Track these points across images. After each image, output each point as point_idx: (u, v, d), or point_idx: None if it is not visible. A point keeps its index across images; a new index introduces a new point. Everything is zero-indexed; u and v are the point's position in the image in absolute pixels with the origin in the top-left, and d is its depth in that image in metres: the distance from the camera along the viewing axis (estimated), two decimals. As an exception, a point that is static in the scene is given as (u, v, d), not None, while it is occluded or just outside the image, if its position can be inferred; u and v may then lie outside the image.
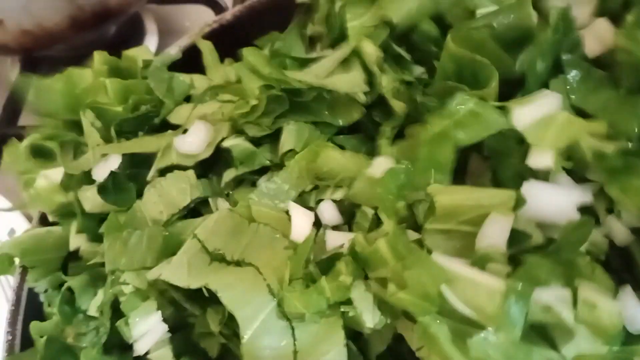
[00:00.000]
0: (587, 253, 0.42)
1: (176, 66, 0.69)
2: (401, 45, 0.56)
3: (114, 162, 0.59)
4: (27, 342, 0.59)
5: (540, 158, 0.42)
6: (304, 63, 0.59)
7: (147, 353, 0.51)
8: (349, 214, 0.51)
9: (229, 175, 0.56)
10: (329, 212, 0.50)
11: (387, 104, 0.53)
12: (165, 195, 0.56)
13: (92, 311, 0.56)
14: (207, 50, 0.62)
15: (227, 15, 0.73)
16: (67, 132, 0.65)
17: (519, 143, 0.44)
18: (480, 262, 0.40)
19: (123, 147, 0.60)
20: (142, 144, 0.59)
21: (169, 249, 0.51)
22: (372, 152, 0.53)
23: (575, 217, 0.41)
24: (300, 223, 0.49)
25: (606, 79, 0.47)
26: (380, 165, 0.48)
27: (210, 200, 0.56)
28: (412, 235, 0.45)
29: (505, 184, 0.46)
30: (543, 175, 0.44)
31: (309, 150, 0.53)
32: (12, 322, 0.61)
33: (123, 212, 0.57)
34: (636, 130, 0.43)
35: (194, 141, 0.57)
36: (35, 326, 0.58)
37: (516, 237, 0.40)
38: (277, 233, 0.49)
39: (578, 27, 0.48)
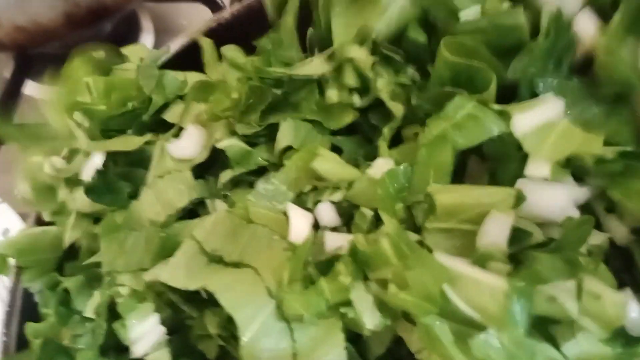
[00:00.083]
0: (588, 253, 0.42)
1: (173, 65, 0.68)
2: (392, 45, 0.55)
3: (98, 161, 0.59)
4: (22, 343, 0.59)
5: (538, 168, 0.42)
6: (288, 62, 0.59)
7: (144, 355, 0.51)
8: (347, 215, 0.50)
9: (225, 176, 0.56)
10: (327, 213, 0.50)
11: (383, 107, 0.53)
12: (162, 197, 0.55)
13: (89, 313, 0.55)
14: (208, 48, 0.62)
15: (226, 14, 0.73)
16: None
17: (518, 149, 0.43)
18: (481, 260, 0.39)
19: (105, 145, 0.59)
20: (126, 142, 0.59)
21: (167, 251, 0.50)
22: (369, 154, 0.53)
23: (572, 214, 0.42)
24: (299, 224, 0.49)
25: (588, 90, 0.46)
26: (381, 166, 0.47)
27: (207, 201, 0.56)
28: (412, 236, 0.44)
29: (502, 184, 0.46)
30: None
31: (306, 151, 0.52)
32: (8, 324, 0.60)
33: (119, 212, 0.57)
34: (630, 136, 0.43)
35: (188, 146, 0.57)
36: (30, 327, 0.58)
37: (516, 235, 0.40)
38: (275, 234, 0.48)
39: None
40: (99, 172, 0.58)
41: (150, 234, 0.54)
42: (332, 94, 0.55)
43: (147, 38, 1.24)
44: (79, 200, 0.58)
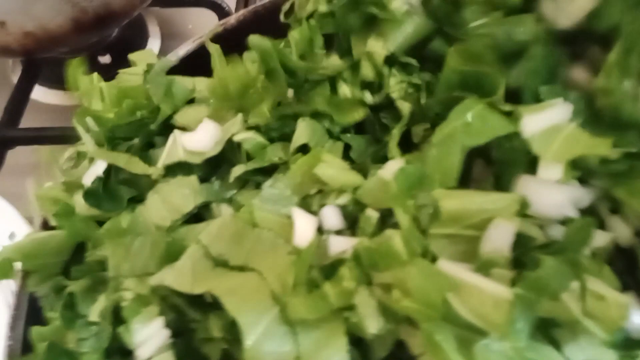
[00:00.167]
0: (592, 255, 0.42)
1: (180, 70, 0.68)
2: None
3: (100, 168, 0.59)
4: (27, 346, 0.59)
5: (551, 170, 0.42)
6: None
7: (149, 358, 0.51)
8: (351, 219, 0.51)
9: (237, 171, 0.56)
10: (331, 217, 0.50)
11: (394, 106, 0.54)
12: (168, 201, 0.55)
13: (93, 316, 0.55)
14: (216, 53, 0.62)
15: (232, 20, 0.73)
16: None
17: (526, 153, 0.44)
18: (484, 267, 0.40)
19: (111, 156, 0.60)
20: (131, 162, 0.59)
21: (172, 255, 0.50)
22: (378, 153, 0.54)
23: (572, 213, 0.42)
24: (303, 228, 0.49)
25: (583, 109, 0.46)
26: (392, 168, 0.47)
27: (213, 205, 0.56)
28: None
29: (507, 190, 0.46)
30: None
31: (311, 156, 0.52)
32: (14, 327, 0.60)
33: (124, 216, 0.57)
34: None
35: (203, 138, 0.58)
36: (35, 331, 0.58)
37: (519, 239, 0.41)
38: (280, 238, 0.48)
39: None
40: (100, 178, 0.58)
41: (156, 238, 0.54)
42: (345, 90, 0.55)
43: (153, 43, 1.24)
44: (79, 205, 0.58)
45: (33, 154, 0.81)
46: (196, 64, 0.68)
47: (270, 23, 0.61)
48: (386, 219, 0.48)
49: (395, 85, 0.54)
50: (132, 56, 0.71)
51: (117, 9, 1.03)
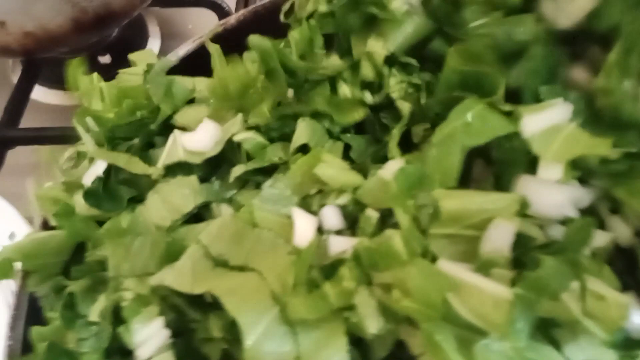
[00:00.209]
0: (592, 255, 0.43)
1: (180, 70, 0.68)
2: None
3: (100, 168, 0.59)
4: (27, 346, 0.59)
5: (551, 170, 0.42)
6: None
7: (149, 358, 0.51)
8: (351, 218, 0.51)
9: (237, 171, 0.56)
10: (331, 216, 0.50)
11: (394, 107, 0.54)
12: (168, 201, 0.55)
13: (93, 316, 0.55)
14: (216, 53, 0.62)
15: (232, 20, 0.73)
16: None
17: (527, 153, 0.44)
18: (484, 267, 0.40)
19: (111, 156, 0.60)
20: (131, 163, 0.59)
21: (172, 255, 0.50)
22: (377, 154, 0.54)
23: (571, 213, 0.42)
24: (303, 228, 0.49)
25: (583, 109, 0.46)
26: (392, 168, 0.47)
27: (213, 205, 0.56)
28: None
29: (507, 189, 0.46)
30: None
31: (311, 156, 0.53)
32: (14, 327, 0.60)
33: (124, 216, 0.57)
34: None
35: (203, 138, 0.58)
36: (35, 331, 0.58)
37: (519, 239, 0.41)
38: (280, 238, 0.49)
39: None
40: (100, 178, 0.58)
41: (156, 238, 0.54)
42: (346, 90, 0.56)
43: (153, 43, 1.24)
44: (79, 205, 0.58)
45: (33, 154, 0.81)
46: (196, 64, 0.68)
47: (270, 23, 0.61)
48: (386, 219, 0.48)
49: (395, 85, 0.55)
50: (132, 56, 0.71)
51: (117, 9, 1.03)
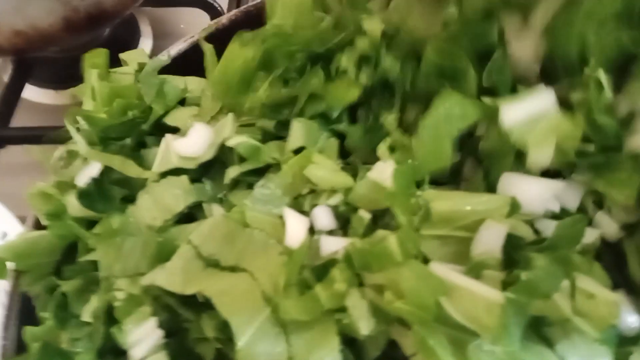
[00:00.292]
0: (580, 251, 0.43)
1: (171, 69, 0.68)
2: None
3: (94, 169, 0.59)
4: (20, 346, 0.59)
5: (539, 156, 0.43)
6: None
7: (142, 358, 0.51)
8: (343, 219, 0.51)
9: (232, 172, 0.56)
10: (323, 217, 0.50)
11: (386, 91, 0.54)
12: (159, 201, 0.55)
13: (86, 317, 0.55)
14: (209, 53, 0.62)
15: (224, 19, 0.73)
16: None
17: (513, 146, 0.45)
18: (476, 269, 0.40)
19: (104, 158, 0.60)
20: (124, 165, 0.59)
21: (163, 255, 0.50)
22: (372, 142, 0.54)
23: (553, 207, 0.44)
24: (295, 229, 0.49)
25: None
26: (381, 169, 0.48)
27: (204, 205, 0.56)
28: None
29: (497, 186, 0.47)
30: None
31: (302, 157, 0.53)
32: (6, 327, 0.60)
33: (115, 217, 0.57)
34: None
35: (195, 143, 0.57)
36: (28, 331, 0.58)
37: (510, 237, 0.41)
38: (271, 239, 0.49)
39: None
40: (94, 179, 0.58)
41: (147, 238, 0.54)
42: (344, 62, 0.57)
43: (145, 42, 1.24)
44: (71, 205, 0.58)
45: (24, 154, 0.81)
46: (188, 63, 0.68)
47: (261, 23, 0.61)
48: (377, 220, 0.48)
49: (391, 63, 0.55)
50: (123, 56, 0.71)
51: (108, 8, 1.03)
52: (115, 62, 0.71)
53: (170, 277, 0.48)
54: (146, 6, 1.24)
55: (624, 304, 0.42)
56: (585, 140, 0.43)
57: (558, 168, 0.45)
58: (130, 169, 0.58)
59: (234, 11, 0.74)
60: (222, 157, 0.57)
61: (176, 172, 0.57)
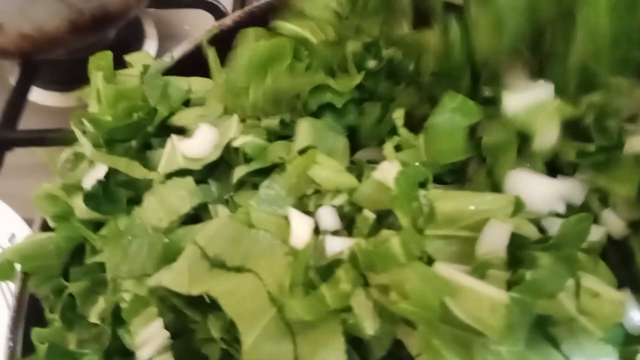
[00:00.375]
0: (586, 249, 0.43)
1: (176, 71, 0.69)
2: None
3: (100, 171, 0.59)
4: (28, 348, 0.59)
5: (546, 137, 0.44)
6: None
7: (149, 359, 0.51)
8: (348, 219, 0.51)
9: (239, 173, 0.56)
10: (328, 217, 0.50)
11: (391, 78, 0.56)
12: (165, 203, 0.56)
13: (93, 318, 0.56)
14: (212, 55, 0.63)
15: (227, 21, 0.73)
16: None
17: (517, 136, 0.45)
18: (480, 269, 0.40)
19: (110, 160, 0.60)
20: (130, 166, 0.59)
21: (170, 256, 0.51)
22: (380, 132, 0.55)
23: (559, 207, 0.44)
24: (300, 229, 0.49)
25: None
26: (386, 169, 0.48)
27: (210, 206, 0.57)
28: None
29: (501, 183, 0.47)
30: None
31: (306, 157, 0.53)
32: (14, 329, 0.61)
33: (122, 219, 0.57)
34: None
35: (201, 144, 0.58)
36: (36, 332, 0.58)
37: (514, 236, 0.41)
38: (276, 239, 0.49)
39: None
40: (100, 181, 0.58)
41: (153, 240, 0.54)
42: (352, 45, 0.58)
43: (150, 44, 1.24)
44: (78, 208, 0.59)
45: (31, 156, 0.82)
46: (192, 64, 0.68)
47: (266, 24, 0.62)
48: (382, 220, 0.48)
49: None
50: (128, 57, 0.72)
51: (113, 10, 1.03)
52: (120, 64, 0.71)
53: (176, 278, 0.48)
54: (151, 8, 1.25)
55: (629, 302, 0.42)
56: (586, 141, 0.44)
57: (560, 167, 0.45)
58: (136, 170, 0.58)
59: (238, 12, 0.74)
60: (228, 158, 0.58)
61: (182, 173, 0.57)
